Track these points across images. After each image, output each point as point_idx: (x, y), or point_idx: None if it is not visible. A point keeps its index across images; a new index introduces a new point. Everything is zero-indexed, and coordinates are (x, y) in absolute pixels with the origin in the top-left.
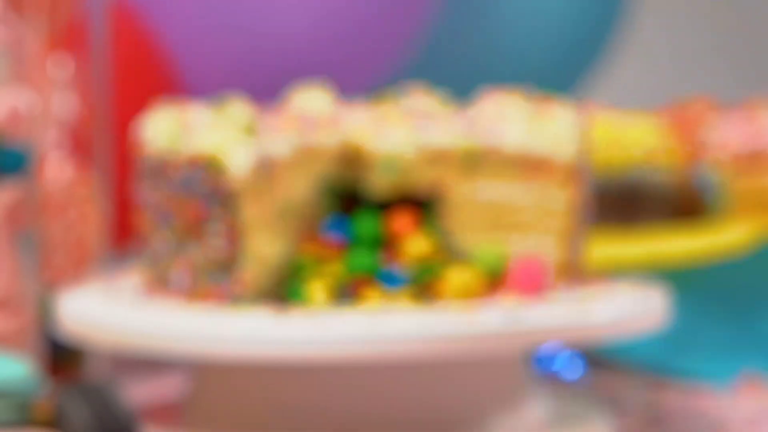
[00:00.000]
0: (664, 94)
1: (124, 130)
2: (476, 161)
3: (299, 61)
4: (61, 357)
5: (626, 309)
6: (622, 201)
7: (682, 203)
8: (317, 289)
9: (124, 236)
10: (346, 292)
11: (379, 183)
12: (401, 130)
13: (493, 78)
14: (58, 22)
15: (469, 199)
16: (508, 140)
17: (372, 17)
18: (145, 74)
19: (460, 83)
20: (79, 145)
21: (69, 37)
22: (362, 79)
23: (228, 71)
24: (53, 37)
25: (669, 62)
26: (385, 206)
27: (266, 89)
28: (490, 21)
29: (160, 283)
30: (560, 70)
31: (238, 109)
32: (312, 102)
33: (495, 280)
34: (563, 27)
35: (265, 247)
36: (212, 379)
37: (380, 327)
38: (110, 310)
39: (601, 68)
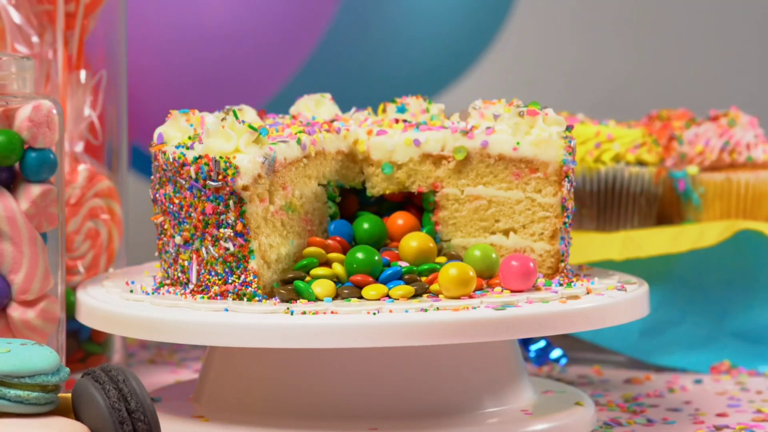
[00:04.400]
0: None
1: None
2: (470, 163)
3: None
4: (83, 348)
5: (608, 301)
6: (603, 198)
7: (661, 201)
8: (321, 285)
9: None
10: (348, 288)
11: (379, 184)
12: (400, 134)
13: (382, 85)
14: (83, 35)
15: (463, 199)
16: (499, 143)
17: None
18: None
19: (351, 90)
20: (99, 149)
21: (87, 51)
22: (264, 85)
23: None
24: (78, 49)
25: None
26: (384, 206)
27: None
28: (380, 29)
29: (175, 278)
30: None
31: (247, 115)
32: (316, 107)
33: (488, 276)
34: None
35: (271, 245)
36: (223, 366)
37: (378, 318)
38: (129, 303)
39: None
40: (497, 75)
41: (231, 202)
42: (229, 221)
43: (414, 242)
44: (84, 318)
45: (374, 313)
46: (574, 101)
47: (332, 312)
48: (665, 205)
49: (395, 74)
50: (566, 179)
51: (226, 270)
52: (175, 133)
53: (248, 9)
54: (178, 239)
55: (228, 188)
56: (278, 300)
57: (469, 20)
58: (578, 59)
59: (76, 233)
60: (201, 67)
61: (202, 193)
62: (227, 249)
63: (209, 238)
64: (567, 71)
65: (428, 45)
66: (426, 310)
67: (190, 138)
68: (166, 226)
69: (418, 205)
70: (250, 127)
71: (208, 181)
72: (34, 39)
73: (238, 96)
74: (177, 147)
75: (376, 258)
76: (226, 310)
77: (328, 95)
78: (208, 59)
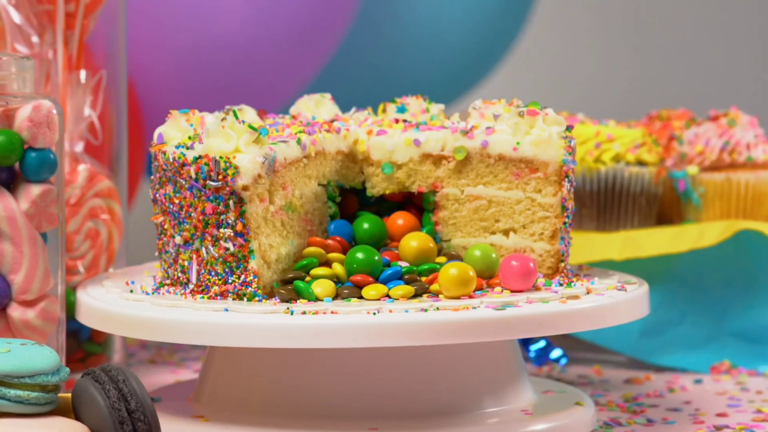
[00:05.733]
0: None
1: None
2: (470, 163)
3: (229, 68)
4: (83, 348)
5: (608, 301)
6: (603, 198)
7: (661, 201)
8: (321, 285)
9: None
10: (348, 288)
11: (379, 184)
12: (400, 134)
13: (398, 86)
14: (83, 35)
15: (463, 199)
16: (499, 143)
17: (293, 28)
18: None
19: (368, 91)
20: (99, 149)
21: (87, 51)
22: (283, 86)
23: (174, 87)
24: (78, 49)
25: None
26: (384, 206)
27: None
28: (398, 31)
29: (175, 278)
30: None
31: (247, 115)
32: (316, 107)
33: (488, 276)
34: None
35: (271, 245)
36: (223, 366)
37: (378, 318)
38: (129, 303)
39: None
40: (508, 80)
41: (231, 202)
42: (229, 221)
43: (414, 242)
44: (84, 318)
45: (374, 313)
46: (574, 101)
47: (332, 312)
48: (665, 205)
49: (408, 81)
50: (566, 179)
51: (226, 270)
52: (175, 133)
53: (266, 15)
54: (178, 239)
55: (228, 188)
56: (278, 300)
57: (484, 28)
58: (579, 60)
59: (76, 233)
60: (217, 74)
61: (202, 193)
62: (227, 249)
63: (209, 238)
64: (568, 72)
65: (444, 52)
66: (426, 310)
67: (190, 138)
68: (166, 226)
69: (418, 205)
70: (250, 127)
71: (208, 181)
72: (34, 39)
73: (257, 102)
74: (177, 147)
75: (376, 258)
76: (226, 310)
77: (328, 95)
78: (225, 66)
